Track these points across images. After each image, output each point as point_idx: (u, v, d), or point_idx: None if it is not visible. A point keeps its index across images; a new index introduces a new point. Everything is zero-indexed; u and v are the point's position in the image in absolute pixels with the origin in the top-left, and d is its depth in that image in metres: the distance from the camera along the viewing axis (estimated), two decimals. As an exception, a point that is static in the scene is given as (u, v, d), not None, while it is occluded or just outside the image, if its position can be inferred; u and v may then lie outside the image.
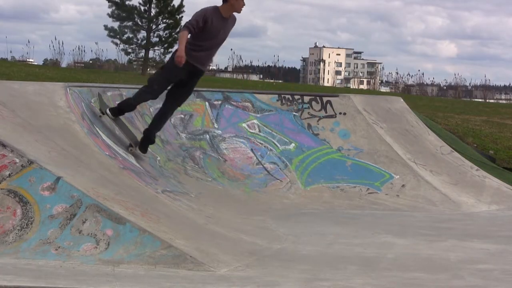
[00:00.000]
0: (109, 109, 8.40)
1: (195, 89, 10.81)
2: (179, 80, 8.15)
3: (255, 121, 10.37)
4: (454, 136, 14.17)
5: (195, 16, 7.90)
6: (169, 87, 8.32)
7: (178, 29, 26.97)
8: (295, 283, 5.09)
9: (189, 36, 7.86)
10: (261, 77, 43.46)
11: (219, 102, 10.45)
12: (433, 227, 8.00)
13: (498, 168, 12.41)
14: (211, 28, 7.94)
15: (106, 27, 26.40)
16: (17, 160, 5.87)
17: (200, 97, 10.34)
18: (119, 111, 8.42)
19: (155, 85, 8.21)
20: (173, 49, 27.64)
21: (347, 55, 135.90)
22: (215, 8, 7.99)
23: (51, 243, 5.41)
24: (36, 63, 36.42)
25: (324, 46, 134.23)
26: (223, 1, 8.03)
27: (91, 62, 36.66)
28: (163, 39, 27.05)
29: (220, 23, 7.99)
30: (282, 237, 6.95)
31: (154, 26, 26.86)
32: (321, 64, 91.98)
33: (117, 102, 8.60)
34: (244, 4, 8.05)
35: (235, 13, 8.14)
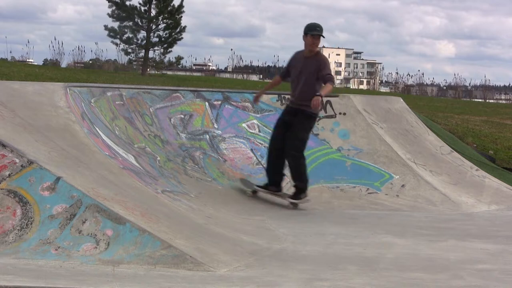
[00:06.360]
0: (256, 186, 9.16)
1: (194, 89, 10.87)
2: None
3: (255, 121, 10.37)
4: (454, 136, 14.18)
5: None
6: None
7: (178, 29, 27.04)
8: (295, 283, 5.09)
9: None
10: (261, 77, 43.48)
11: (219, 102, 10.45)
12: (433, 227, 8.00)
13: (498, 168, 12.42)
14: (292, 68, 8.87)
15: (106, 27, 26.44)
16: (17, 160, 5.87)
17: (200, 97, 10.34)
18: (270, 184, 9.10)
19: (272, 136, 9.15)
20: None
21: (347, 55, 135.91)
22: (301, 50, 8.86)
23: (51, 243, 5.41)
24: (36, 63, 36.47)
25: (324, 46, 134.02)
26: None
27: (91, 62, 36.71)
28: (163, 39, 27.08)
29: (299, 62, 8.80)
30: (282, 237, 6.95)
31: (154, 26, 26.89)
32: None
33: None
34: (314, 41, 8.68)
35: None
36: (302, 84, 8.71)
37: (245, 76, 35.90)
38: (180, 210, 7.21)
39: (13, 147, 5.98)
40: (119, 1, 25.96)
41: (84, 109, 8.20)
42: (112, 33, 26.42)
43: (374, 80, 44.90)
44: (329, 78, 8.52)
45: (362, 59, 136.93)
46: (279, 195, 9.07)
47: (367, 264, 5.82)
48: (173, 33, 27.03)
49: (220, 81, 26.11)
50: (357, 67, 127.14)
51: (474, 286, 5.22)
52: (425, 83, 42.73)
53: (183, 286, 4.82)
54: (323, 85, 8.59)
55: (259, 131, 10.32)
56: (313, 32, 8.65)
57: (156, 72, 28.70)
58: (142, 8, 26.51)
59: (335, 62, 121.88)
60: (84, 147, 7.24)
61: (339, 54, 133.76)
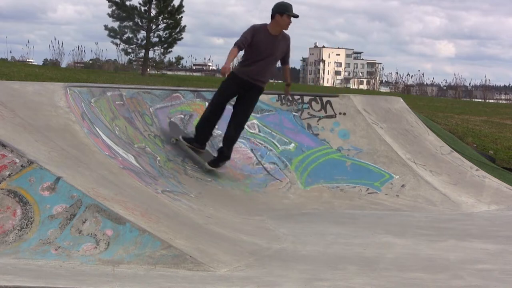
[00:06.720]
0: (182, 137, 9.32)
1: (194, 89, 10.85)
2: (236, 96, 9.07)
3: (254, 121, 10.36)
4: (454, 136, 14.17)
5: (244, 33, 8.74)
6: (228, 105, 9.21)
7: (178, 29, 27.04)
8: (295, 283, 5.10)
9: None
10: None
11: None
12: (433, 227, 8.00)
13: (498, 168, 12.41)
14: (258, 43, 8.69)
15: (106, 27, 26.45)
16: (17, 160, 5.87)
17: (200, 97, 10.34)
18: (195, 141, 9.29)
19: (211, 101, 9.28)
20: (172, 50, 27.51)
21: (347, 55, 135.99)
22: (263, 25, 8.79)
23: (51, 243, 5.41)
24: (36, 63, 36.47)
25: (324, 46, 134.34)
26: (271, 18, 8.79)
27: (91, 62, 36.71)
28: (163, 39, 27.09)
29: (267, 40, 8.72)
30: (282, 237, 6.95)
31: (154, 26, 26.90)
32: (321, 64, 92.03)
33: (192, 135, 9.44)
34: (290, 22, 8.77)
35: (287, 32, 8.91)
36: (268, 62, 8.88)
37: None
38: (180, 210, 7.21)
39: (13, 147, 5.98)
40: (119, 1, 25.97)
41: (84, 109, 8.20)
42: (112, 33, 26.43)
43: (374, 80, 44.96)
44: (289, 61, 9.25)
45: (362, 59, 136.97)
46: (200, 152, 9.32)
47: (367, 264, 5.82)
48: (173, 33, 27.04)
49: (220, 81, 26.09)
50: (357, 67, 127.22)
51: (474, 286, 5.22)
52: (425, 83, 42.79)
53: (183, 286, 4.83)
54: (285, 66, 9.25)
55: (259, 131, 10.31)
56: (290, 12, 8.73)
57: (156, 72, 28.72)
58: (142, 8, 26.53)
59: (335, 62, 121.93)
60: (84, 147, 7.24)
61: (339, 54, 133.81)
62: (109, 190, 6.22)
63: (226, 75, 8.89)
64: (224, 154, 9.23)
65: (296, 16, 8.79)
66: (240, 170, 9.68)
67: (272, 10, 8.79)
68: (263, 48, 8.78)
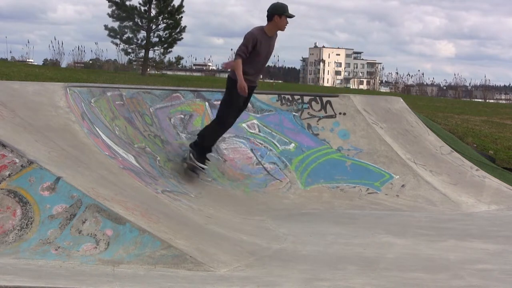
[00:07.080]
0: (197, 161, 8.95)
1: (194, 89, 10.87)
2: None
3: (255, 121, 10.36)
4: (454, 136, 14.17)
5: (244, 42, 8.51)
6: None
7: (178, 29, 27.03)
8: (295, 283, 5.10)
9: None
10: (261, 77, 43.45)
11: (219, 102, 10.42)
12: (433, 227, 8.00)
13: (498, 168, 12.41)
14: (260, 49, 8.58)
15: (106, 27, 26.44)
16: (17, 160, 5.87)
17: (200, 97, 10.34)
18: (201, 156, 9.01)
19: (230, 119, 8.95)
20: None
21: (347, 55, 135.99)
22: (261, 29, 8.63)
23: (51, 243, 5.42)
24: (36, 63, 36.49)
25: (324, 46, 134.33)
26: (267, 20, 8.63)
27: (91, 62, 36.71)
28: (163, 39, 27.08)
29: (266, 43, 8.64)
30: (281, 237, 6.95)
31: (154, 26, 26.89)
32: (321, 64, 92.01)
33: (193, 153, 9.04)
34: (287, 23, 8.72)
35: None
36: (265, 63, 9.02)
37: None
38: (180, 210, 7.21)
39: (13, 147, 5.98)
40: (119, 1, 25.97)
41: (84, 109, 8.20)
42: (112, 33, 26.43)
43: (374, 80, 44.96)
44: None
45: (362, 59, 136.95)
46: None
47: (367, 264, 5.83)
48: (173, 33, 27.03)
49: (220, 81, 26.10)
50: (357, 67, 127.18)
51: (474, 286, 5.22)
52: (425, 83, 42.74)
53: (183, 286, 4.83)
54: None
55: (259, 131, 10.31)
56: (288, 13, 8.73)
57: (156, 72, 28.72)
58: (142, 8, 26.52)
59: (335, 62, 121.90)
60: (84, 147, 7.24)
61: (339, 54, 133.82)
62: (109, 190, 6.22)
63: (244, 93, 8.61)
64: (211, 149, 9.22)
65: (293, 16, 8.81)
66: (240, 170, 9.68)
67: (269, 11, 8.63)
68: (263, 53, 8.76)
